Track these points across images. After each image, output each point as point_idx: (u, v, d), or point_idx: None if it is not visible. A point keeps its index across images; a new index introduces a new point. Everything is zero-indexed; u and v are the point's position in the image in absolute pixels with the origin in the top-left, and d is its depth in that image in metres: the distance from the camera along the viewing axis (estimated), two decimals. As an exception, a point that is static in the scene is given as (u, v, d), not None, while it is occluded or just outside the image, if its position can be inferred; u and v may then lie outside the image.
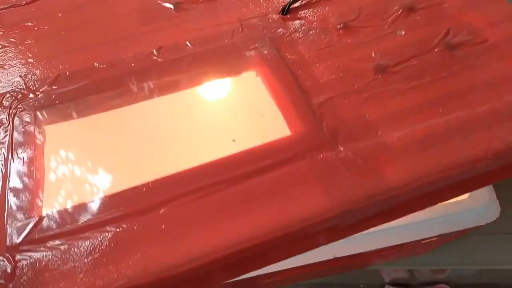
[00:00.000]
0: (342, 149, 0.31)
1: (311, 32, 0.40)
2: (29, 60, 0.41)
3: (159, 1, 0.45)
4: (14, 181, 0.32)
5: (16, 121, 0.36)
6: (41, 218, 0.30)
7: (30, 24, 0.45)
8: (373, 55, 0.37)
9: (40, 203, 0.31)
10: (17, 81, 0.39)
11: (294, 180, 0.30)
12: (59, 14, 0.45)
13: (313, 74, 0.36)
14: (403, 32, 0.38)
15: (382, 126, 0.32)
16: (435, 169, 0.29)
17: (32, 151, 0.34)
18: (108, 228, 0.28)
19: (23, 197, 0.31)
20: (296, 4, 0.42)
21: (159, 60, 0.39)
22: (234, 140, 0.32)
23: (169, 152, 0.34)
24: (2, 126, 0.36)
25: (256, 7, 0.43)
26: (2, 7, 0.46)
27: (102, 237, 0.28)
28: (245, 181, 0.30)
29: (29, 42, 0.43)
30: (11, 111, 0.36)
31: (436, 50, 0.36)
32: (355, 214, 0.29)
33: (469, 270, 0.73)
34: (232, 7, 0.44)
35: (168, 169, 0.31)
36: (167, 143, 0.35)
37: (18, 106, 0.37)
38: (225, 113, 0.35)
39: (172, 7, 0.44)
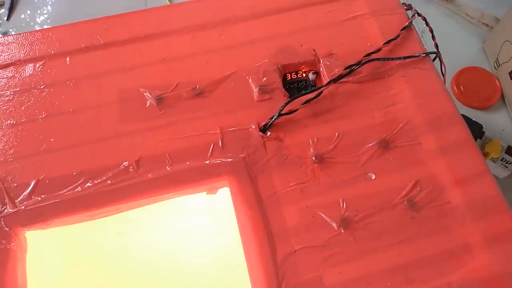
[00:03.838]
0: (295, 318, 0.35)
1: (286, 159, 0.41)
2: (8, 154, 0.41)
3: (141, 90, 0.44)
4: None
5: (-2, 238, 0.38)
6: None
7: (7, 100, 0.44)
8: (341, 204, 0.39)
9: None
10: (-3, 185, 0.40)
11: None
12: (35, 90, 0.44)
13: (283, 217, 0.39)
14: (373, 176, 0.40)
15: (334, 295, 0.36)
16: None
17: (13, 272, 0.37)
18: None
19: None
20: (277, 120, 0.42)
21: (136, 179, 0.40)
22: (201, 292, 0.36)
23: None
24: (-16, 244, 0.38)
25: (238, 112, 0.43)
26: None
27: None
28: None
29: (7, 128, 0.42)
30: (-8, 226, 0.38)
31: (399, 207, 0.39)
32: None
33: None
34: (214, 108, 0.44)
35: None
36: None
37: (-1, 220, 0.38)
38: (195, 259, 0.38)
39: (155, 102, 0.43)
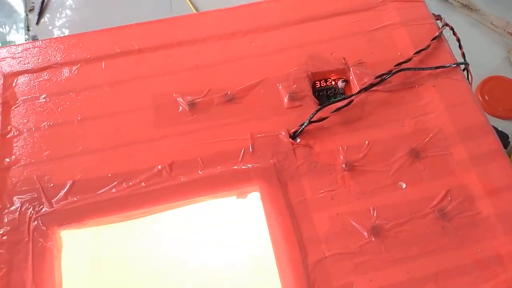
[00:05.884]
0: (326, 325, 0.35)
1: (316, 166, 0.41)
2: (44, 155, 0.42)
3: (174, 95, 0.45)
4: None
5: (36, 237, 0.39)
6: None
7: (44, 102, 0.45)
8: (371, 212, 0.39)
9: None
10: (34, 185, 0.41)
11: None
12: (71, 93, 0.45)
13: (313, 223, 0.39)
14: (404, 186, 0.40)
15: (365, 302, 0.36)
16: None
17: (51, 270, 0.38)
18: None
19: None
20: (307, 127, 0.43)
21: (169, 182, 0.41)
22: (232, 295, 0.36)
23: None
24: (23, 242, 0.39)
25: (268, 119, 0.44)
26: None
27: None
28: None
29: (44, 130, 0.44)
30: (30, 225, 0.39)
31: (429, 216, 0.39)
32: None
33: None
34: (245, 114, 0.44)
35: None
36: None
37: (36, 219, 0.39)
38: (225, 263, 0.39)
39: (187, 107, 0.44)
